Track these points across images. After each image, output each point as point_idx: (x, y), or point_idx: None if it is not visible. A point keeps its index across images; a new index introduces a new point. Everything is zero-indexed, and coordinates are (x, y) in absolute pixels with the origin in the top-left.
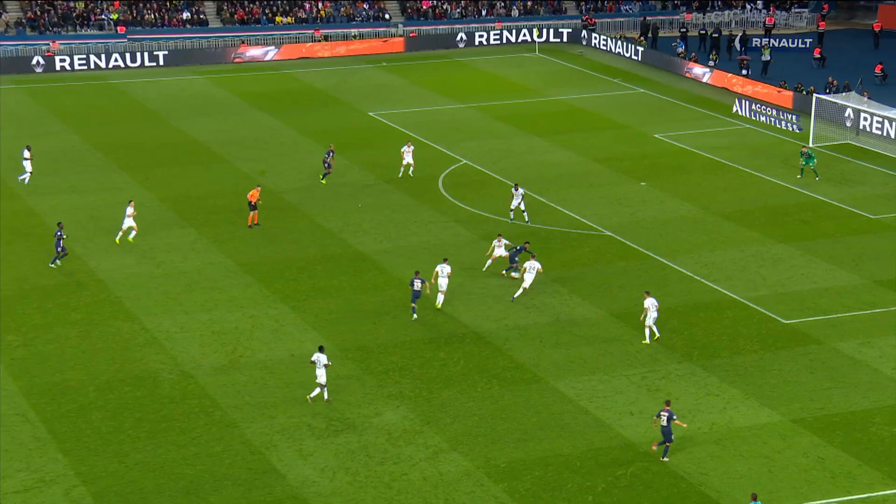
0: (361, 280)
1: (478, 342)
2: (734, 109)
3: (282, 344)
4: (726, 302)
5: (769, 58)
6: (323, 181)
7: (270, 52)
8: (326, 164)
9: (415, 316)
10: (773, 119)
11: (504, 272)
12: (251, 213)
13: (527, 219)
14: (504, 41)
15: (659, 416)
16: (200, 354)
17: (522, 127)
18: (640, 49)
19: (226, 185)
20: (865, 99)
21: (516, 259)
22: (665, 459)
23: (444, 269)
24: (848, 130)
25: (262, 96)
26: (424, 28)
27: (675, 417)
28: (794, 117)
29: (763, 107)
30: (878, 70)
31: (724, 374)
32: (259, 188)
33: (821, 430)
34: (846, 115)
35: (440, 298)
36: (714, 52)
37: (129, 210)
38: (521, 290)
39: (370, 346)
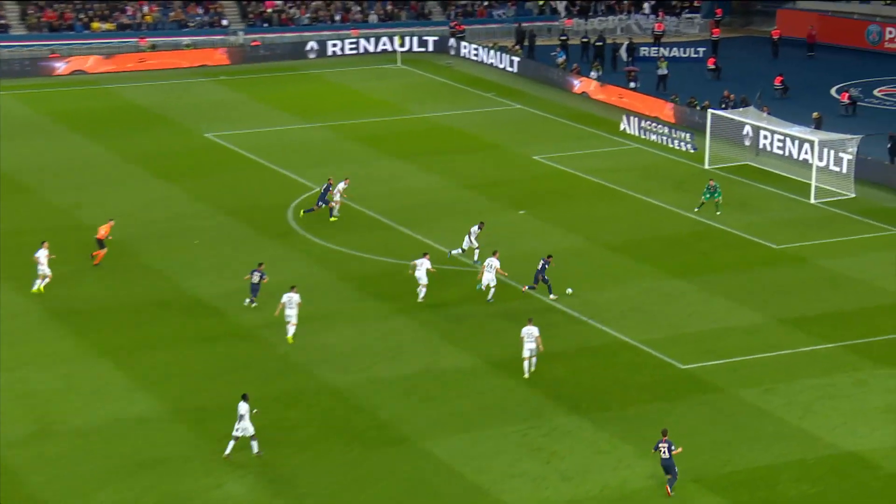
0: (197, 329)
1: (335, 398)
2: (622, 127)
3: (103, 407)
4: (617, 345)
5: (665, 72)
6: (333, 218)
7: (86, 64)
8: (322, 203)
9: (250, 303)
10: (664, 138)
11: (525, 288)
12: (99, 250)
13: (475, 258)
14: (362, 51)
15: (657, 448)
16: (2, 422)
17: (383, 149)
18: (516, 59)
19: (34, 220)
20: (765, 114)
21: (545, 278)
22: (672, 494)
23: (292, 300)
24: (747, 150)
25: (77, 115)
26: (268, 36)
27: (674, 448)
28: (687, 136)
29: (653, 124)
30: (777, 82)
31: (616, 427)
32: (112, 223)
33: (724, 490)
34: (744, 132)
35: (290, 331)
36: (597, 63)
37: (43, 253)
38: (490, 291)
39: (208, 406)
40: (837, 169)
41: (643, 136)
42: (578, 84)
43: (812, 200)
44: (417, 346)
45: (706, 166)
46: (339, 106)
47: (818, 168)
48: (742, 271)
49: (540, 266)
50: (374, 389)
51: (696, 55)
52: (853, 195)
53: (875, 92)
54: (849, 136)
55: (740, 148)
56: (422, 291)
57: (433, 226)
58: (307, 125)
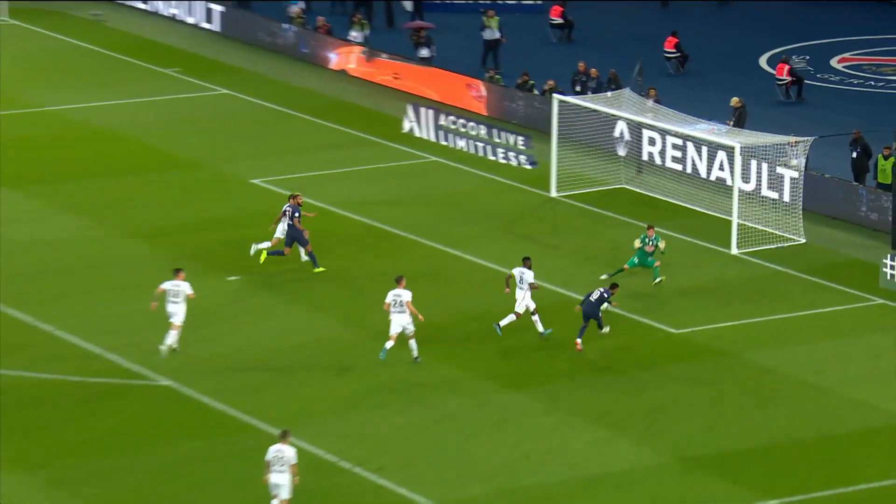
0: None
1: None
2: (405, 127)
3: None
4: None
5: (497, 34)
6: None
7: None
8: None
9: None
10: (481, 145)
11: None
12: None
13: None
14: None
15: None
16: None
17: None
18: (218, 9)
19: None
20: (650, 103)
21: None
22: None
23: None
24: (621, 164)
25: None
26: None
27: None
28: (519, 140)
29: (461, 122)
30: (669, 47)
31: None
32: None
33: None
34: (617, 134)
35: None
36: (360, 16)
37: None
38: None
39: None
40: (775, 195)
41: (444, 143)
42: (336, 56)
43: (733, 249)
44: None
45: (553, 192)
46: None
47: (742, 194)
48: (616, 376)
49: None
50: None
51: (529, 1)
52: (802, 240)
53: (833, 62)
54: (793, 139)
55: (610, 161)
56: None
57: (70, 307)
58: None
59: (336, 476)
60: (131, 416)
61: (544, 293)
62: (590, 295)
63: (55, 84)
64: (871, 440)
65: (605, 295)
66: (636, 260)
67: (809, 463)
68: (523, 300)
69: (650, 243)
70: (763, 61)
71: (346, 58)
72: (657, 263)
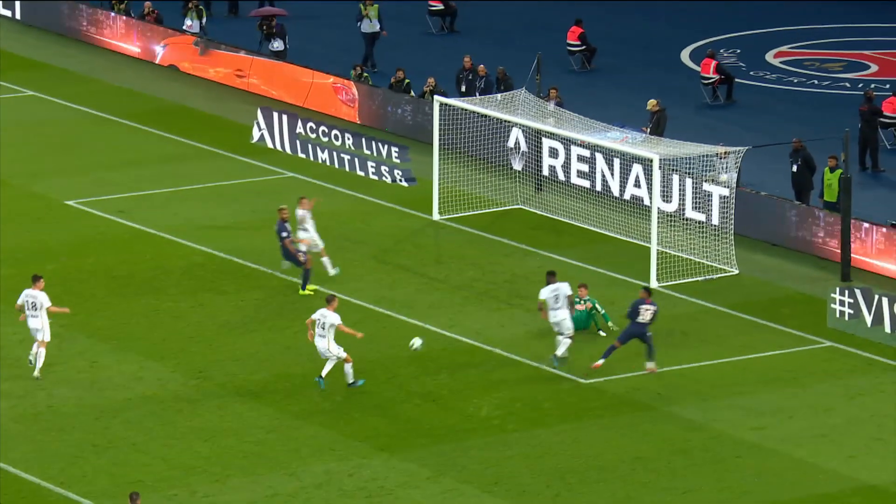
0: None
1: None
2: (255, 136)
3: None
4: None
5: (377, 27)
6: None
7: None
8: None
9: None
10: (345, 157)
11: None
12: None
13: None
14: None
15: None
16: None
17: None
18: None
19: None
20: (552, 106)
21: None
22: None
23: None
24: (516, 179)
25: None
26: None
27: None
28: (393, 151)
29: (321, 129)
30: (573, 38)
31: None
32: None
33: None
34: (512, 143)
35: None
36: (195, 1)
37: None
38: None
39: None
40: (701, 217)
41: (303, 156)
42: (166, 50)
43: (653, 282)
44: None
45: (435, 215)
46: None
47: (662, 215)
48: (516, 434)
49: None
50: None
51: None
52: (735, 271)
53: (768, 56)
54: (722, 149)
55: (503, 176)
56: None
57: None
58: None
59: None
60: None
61: (430, 335)
62: (637, 313)
63: None
64: None
65: (655, 309)
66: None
67: None
68: (566, 320)
69: (582, 302)
70: (686, 56)
71: (178, 51)
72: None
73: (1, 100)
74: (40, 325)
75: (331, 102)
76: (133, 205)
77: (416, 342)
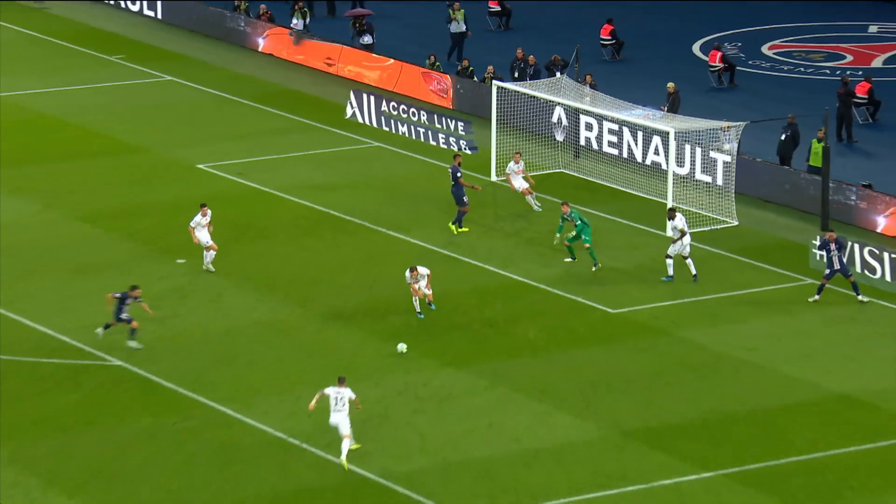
0: None
1: None
2: (348, 113)
3: None
4: (353, 485)
5: (463, 27)
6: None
7: None
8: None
9: None
10: (420, 130)
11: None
12: None
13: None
14: None
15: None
16: None
17: None
18: None
19: None
20: (587, 89)
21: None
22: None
23: None
24: (559, 149)
25: None
26: None
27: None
28: (459, 125)
29: (401, 107)
30: (605, 34)
31: None
32: None
33: None
34: (555, 119)
35: None
36: (302, 3)
37: None
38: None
39: None
40: (708, 179)
41: (386, 129)
42: (263, 41)
43: (668, 232)
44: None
45: (493, 177)
46: None
47: (676, 178)
48: (558, 352)
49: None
50: None
51: None
52: (734, 222)
53: (764, 49)
54: (725, 124)
55: (548, 146)
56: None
57: (23, 289)
58: None
59: (285, 452)
60: (85, 395)
61: (487, 274)
62: (829, 252)
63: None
64: (802, 414)
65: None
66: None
67: (743, 436)
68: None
69: (568, 218)
70: (696, 48)
71: (283, 43)
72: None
73: (146, 84)
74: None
75: (408, 86)
76: (249, 168)
77: (401, 347)
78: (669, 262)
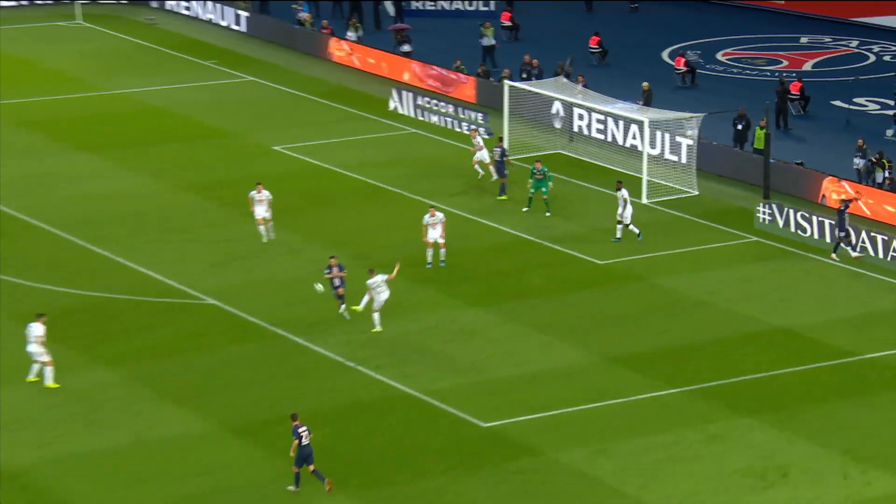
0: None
1: (10, 484)
2: (391, 106)
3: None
4: (397, 399)
5: (492, 41)
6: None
7: None
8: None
9: None
10: (448, 119)
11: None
12: None
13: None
14: (24, 1)
15: (297, 435)
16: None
17: (64, 139)
18: (244, 14)
19: None
20: (579, 87)
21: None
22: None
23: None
24: (557, 134)
25: None
26: None
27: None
28: (479, 116)
29: (433, 101)
30: (593, 44)
31: None
32: None
33: None
34: (553, 111)
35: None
36: (355, 19)
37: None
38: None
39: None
40: (675, 158)
41: (421, 118)
42: (329, 48)
43: (644, 200)
44: (124, 408)
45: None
46: None
47: (650, 157)
48: (557, 296)
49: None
50: (64, 470)
51: (485, 8)
52: (696, 192)
53: (718, 55)
54: (688, 115)
55: (549, 132)
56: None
57: (140, 244)
58: None
59: (342, 373)
60: (184, 327)
61: (500, 234)
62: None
63: (120, 73)
64: (748, 343)
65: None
66: (534, 188)
67: (703, 360)
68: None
69: (538, 173)
70: (665, 55)
71: (342, 51)
72: (545, 194)
73: (233, 83)
74: (261, 212)
75: (437, 84)
76: (315, 149)
77: (318, 286)
78: (619, 226)
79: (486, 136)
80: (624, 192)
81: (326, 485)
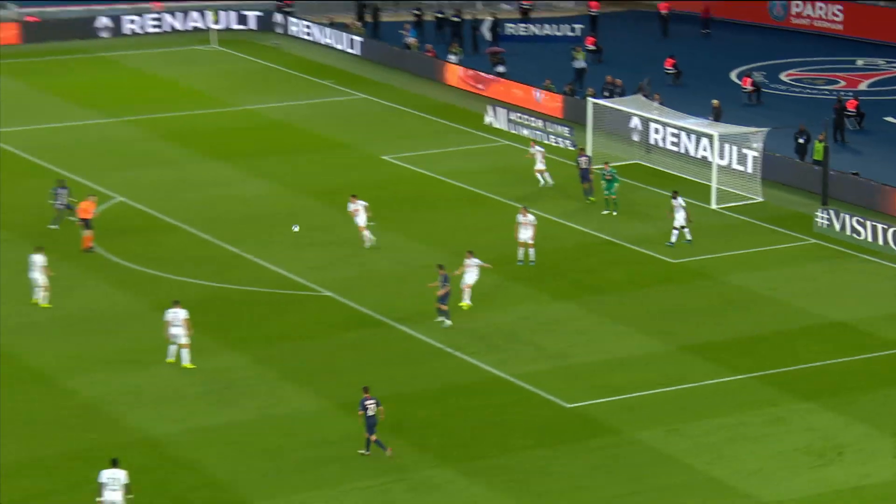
0: None
1: (151, 452)
2: (486, 120)
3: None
4: (491, 382)
5: (583, 64)
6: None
7: None
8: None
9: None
10: (538, 133)
11: None
12: (86, 233)
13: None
14: (167, 28)
15: (364, 407)
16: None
17: (200, 149)
18: (358, 39)
19: None
20: (656, 104)
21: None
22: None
23: (177, 316)
24: (636, 146)
25: None
26: (48, 9)
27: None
28: (565, 130)
29: (524, 116)
30: (668, 65)
31: (493, 479)
32: (93, 199)
33: None
34: (632, 125)
35: (183, 356)
36: (456, 43)
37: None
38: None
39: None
40: (741, 168)
41: (512, 131)
42: (433, 67)
43: (713, 205)
44: (251, 387)
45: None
46: (141, 97)
47: (719, 167)
48: (635, 291)
49: None
50: (199, 441)
51: (572, 33)
52: (760, 199)
53: (781, 76)
54: (753, 129)
55: (628, 144)
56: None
57: (266, 242)
58: (103, 120)
59: (443, 358)
60: (304, 316)
61: (582, 235)
62: None
63: (249, 91)
64: (808, 335)
65: None
66: (606, 190)
67: (766, 350)
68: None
69: (608, 174)
70: (733, 75)
71: (445, 71)
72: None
73: (347, 100)
74: (361, 221)
75: (528, 101)
76: (417, 159)
77: (295, 227)
78: (675, 231)
79: (572, 148)
80: (679, 200)
81: (388, 451)
